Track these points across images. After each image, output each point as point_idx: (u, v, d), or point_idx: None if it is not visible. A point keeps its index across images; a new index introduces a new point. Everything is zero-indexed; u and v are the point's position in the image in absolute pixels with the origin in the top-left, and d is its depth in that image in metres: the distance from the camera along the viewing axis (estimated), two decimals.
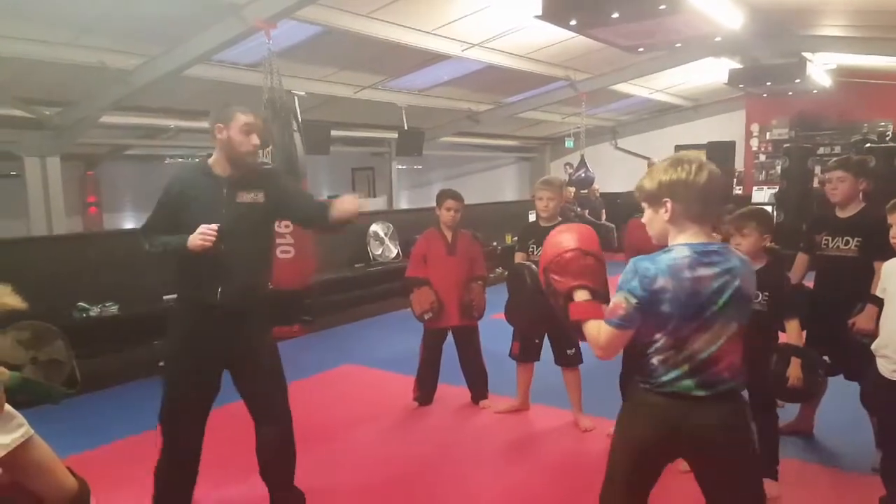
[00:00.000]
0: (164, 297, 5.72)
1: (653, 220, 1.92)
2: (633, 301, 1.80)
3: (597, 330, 1.89)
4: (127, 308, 5.34)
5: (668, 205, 1.85)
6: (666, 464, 1.98)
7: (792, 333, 2.91)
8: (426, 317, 4.10)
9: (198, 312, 2.61)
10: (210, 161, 2.64)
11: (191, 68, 5.44)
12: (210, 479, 3.30)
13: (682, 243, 1.85)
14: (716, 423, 1.83)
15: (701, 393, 1.83)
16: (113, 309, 5.27)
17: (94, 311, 5.17)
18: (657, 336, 1.85)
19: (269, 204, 2.64)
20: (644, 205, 1.94)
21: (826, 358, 3.26)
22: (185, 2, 4.58)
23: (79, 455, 3.52)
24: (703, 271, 1.81)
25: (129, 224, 10.86)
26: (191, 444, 2.72)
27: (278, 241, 4.43)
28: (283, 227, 4.44)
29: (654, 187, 1.87)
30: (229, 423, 4.04)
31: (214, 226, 2.47)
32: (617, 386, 3.53)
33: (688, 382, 1.83)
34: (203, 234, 2.45)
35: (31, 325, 1.73)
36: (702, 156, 1.93)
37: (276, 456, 2.82)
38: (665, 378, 1.86)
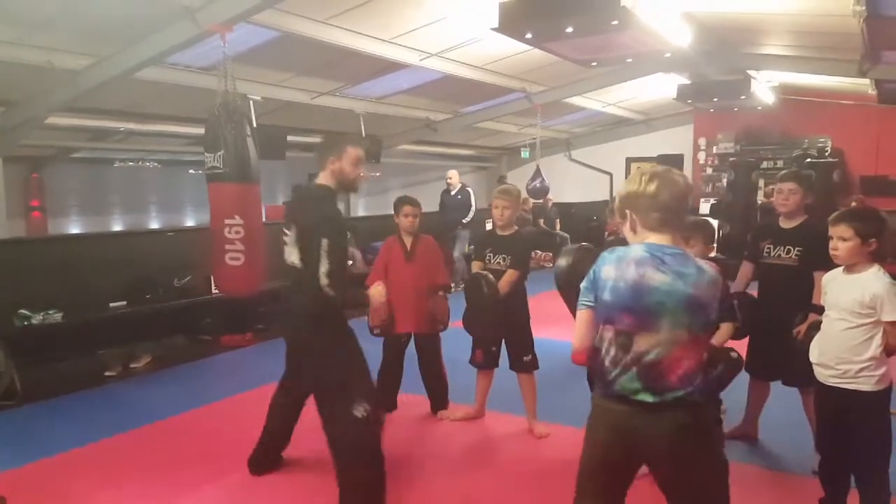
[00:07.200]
0: (111, 305, 5.57)
1: (626, 233, 2.01)
2: (587, 283, 1.97)
3: None
4: (71, 316, 5.17)
5: (630, 215, 1.95)
6: (635, 468, 1.98)
7: (721, 335, 2.89)
8: (375, 332, 4.09)
9: None
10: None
11: (143, 70, 5.31)
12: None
13: (641, 242, 1.93)
14: (667, 433, 1.83)
15: (650, 399, 1.83)
16: (56, 316, 5.09)
17: (37, 318, 4.98)
18: (604, 329, 1.94)
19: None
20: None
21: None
22: (137, 3, 4.48)
23: (19, 468, 3.38)
24: (651, 271, 1.85)
25: (75, 229, 10.48)
26: None
27: (227, 247, 4.37)
28: (233, 232, 4.37)
29: (618, 203, 1.99)
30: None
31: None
32: (570, 392, 3.57)
33: (636, 385, 1.86)
34: None
35: None
36: (667, 168, 1.99)
37: None
38: (616, 382, 1.89)
